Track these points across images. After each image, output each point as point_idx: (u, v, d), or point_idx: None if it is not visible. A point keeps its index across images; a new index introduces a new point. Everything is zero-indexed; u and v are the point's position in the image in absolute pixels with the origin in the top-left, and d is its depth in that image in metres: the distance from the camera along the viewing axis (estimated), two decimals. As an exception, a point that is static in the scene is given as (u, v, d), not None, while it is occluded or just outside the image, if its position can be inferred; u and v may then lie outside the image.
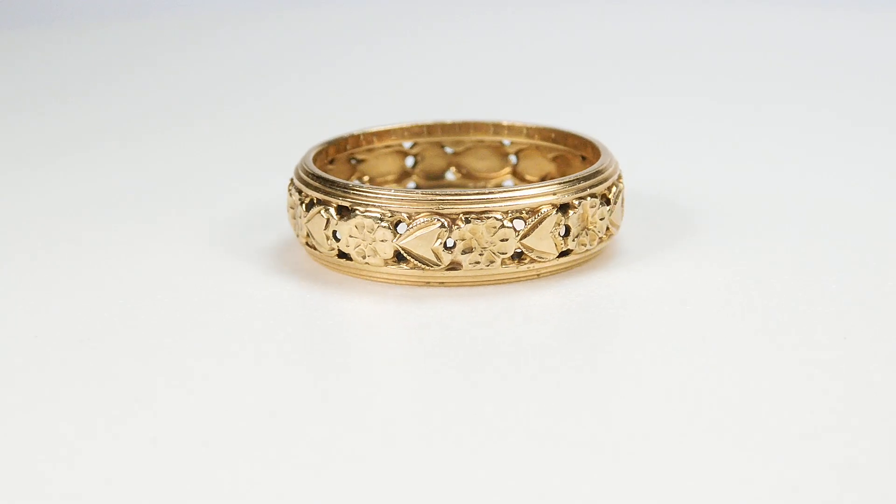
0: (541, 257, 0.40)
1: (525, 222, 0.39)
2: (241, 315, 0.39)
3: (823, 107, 0.62)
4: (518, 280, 0.40)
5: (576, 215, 0.40)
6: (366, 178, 0.48)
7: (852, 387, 0.34)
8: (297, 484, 0.30)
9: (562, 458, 0.31)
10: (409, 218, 0.39)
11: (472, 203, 0.39)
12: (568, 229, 0.40)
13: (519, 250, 0.39)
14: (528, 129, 0.48)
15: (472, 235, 0.39)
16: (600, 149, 0.43)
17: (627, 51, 0.74)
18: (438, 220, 0.39)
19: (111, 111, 0.65)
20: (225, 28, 0.82)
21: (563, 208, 0.40)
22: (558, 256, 0.40)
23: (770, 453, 0.31)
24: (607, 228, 0.41)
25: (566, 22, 0.80)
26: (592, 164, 0.44)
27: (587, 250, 0.41)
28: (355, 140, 0.47)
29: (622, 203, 0.42)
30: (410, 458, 0.31)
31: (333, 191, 0.40)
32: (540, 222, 0.39)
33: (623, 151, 0.47)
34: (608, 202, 0.41)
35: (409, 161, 0.48)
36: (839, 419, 0.33)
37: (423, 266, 0.39)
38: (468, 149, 0.48)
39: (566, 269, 0.41)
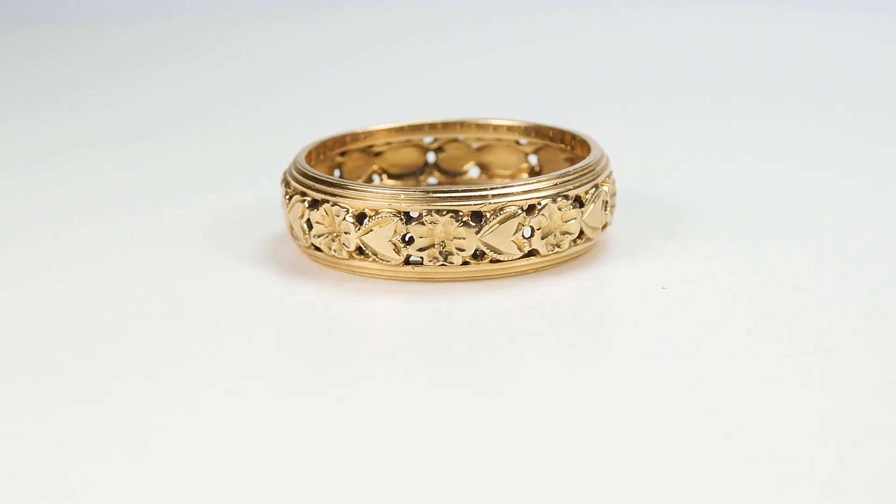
0: (594, 234, 0.41)
1: (583, 201, 0.41)
2: (237, 312, 0.39)
3: (818, 104, 0.62)
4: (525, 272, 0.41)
5: (602, 197, 0.41)
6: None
7: (847, 383, 0.34)
8: (296, 482, 0.31)
9: (565, 455, 0.31)
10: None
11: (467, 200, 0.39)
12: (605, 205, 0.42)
13: (581, 230, 0.41)
14: (517, 126, 0.48)
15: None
16: (589, 142, 0.44)
17: (618, 49, 0.74)
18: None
19: (104, 111, 0.65)
20: (217, 29, 0.82)
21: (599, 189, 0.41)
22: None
23: (765, 448, 0.31)
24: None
25: (558, 22, 0.80)
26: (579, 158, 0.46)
27: (588, 242, 0.42)
28: (351, 137, 0.47)
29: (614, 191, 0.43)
30: (409, 456, 0.32)
31: (331, 190, 0.40)
32: (594, 201, 0.41)
33: (614, 150, 0.47)
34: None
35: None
36: (834, 414, 0.33)
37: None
38: (487, 146, 0.49)
39: (566, 262, 0.42)
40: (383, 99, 0.67)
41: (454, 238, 0.39)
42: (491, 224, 0.39)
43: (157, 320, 0.39)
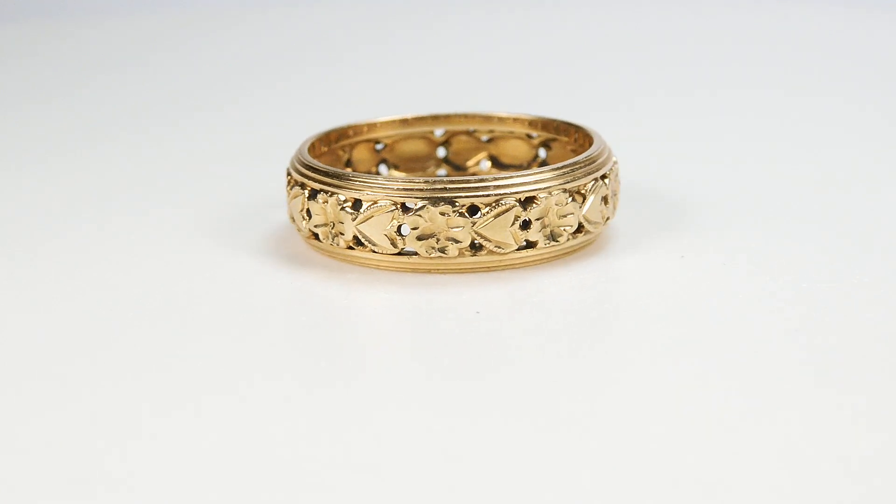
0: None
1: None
2: (241, 307, 0.39)
3: (822, 103, 0.62)
4: (512, 268, 0.41)
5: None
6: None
7: (847, 382, 0.34)
8: (300, 481, 0.31)
9: (563, 449, 0.31)
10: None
11: (467, 191, 0.39)
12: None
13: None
14: (519, 119, 0.48)
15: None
16: (592, 135, 0.44)
17: (622, 44, 0.74)
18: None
19: (104, 110, 0.65)
20: (219, 22, 0.82)
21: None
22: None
23: (763, 446, 0.31)
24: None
25: (560, 17, 0.80)
26: (583, 151, 0.45)
27: (588, 235, 0.41)
28: (354, 130, 0.48)
29: (617, 187, 0.43)
30: (410, 454, 0.32)
31: (330, 180, 0.40)
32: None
33: (619, 144, 0.47)
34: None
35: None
36: (836, 408, 0.33)
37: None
38: (496, 138, 0.49)
39: (566, 255, 0.41)
40: (383, 94, 0.67)
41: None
42: (486, 217, 0.39)
43: (158, 319, 0.39)
